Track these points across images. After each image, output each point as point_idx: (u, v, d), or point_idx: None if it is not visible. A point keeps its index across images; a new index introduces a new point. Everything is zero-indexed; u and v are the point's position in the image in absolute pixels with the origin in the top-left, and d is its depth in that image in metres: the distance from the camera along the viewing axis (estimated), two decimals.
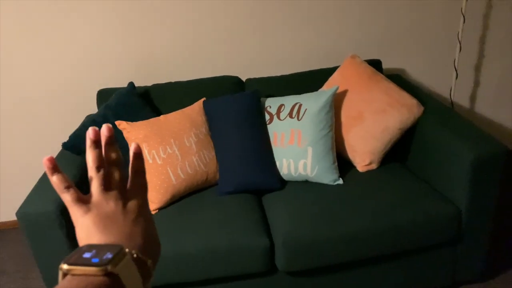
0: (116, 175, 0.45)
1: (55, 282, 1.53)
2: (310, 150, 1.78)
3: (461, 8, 2.23)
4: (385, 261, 1.68)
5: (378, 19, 2.32)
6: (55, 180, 0.42)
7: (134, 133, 1.77)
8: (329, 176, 1.78)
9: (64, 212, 1.50)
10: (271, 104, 1.89)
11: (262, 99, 1.93)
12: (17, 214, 1.49)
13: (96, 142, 0.44)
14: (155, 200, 1.74)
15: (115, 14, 2.14)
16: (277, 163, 1.83)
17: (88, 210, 0.42)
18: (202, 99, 1.95)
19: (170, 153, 1.75)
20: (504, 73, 2.55)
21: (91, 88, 2.27)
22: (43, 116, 2.32)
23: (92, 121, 1.83)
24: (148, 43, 2.23)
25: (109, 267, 0.35)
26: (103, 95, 2.07)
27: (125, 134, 1.80)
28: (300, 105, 1.82)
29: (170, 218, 1.68)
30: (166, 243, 1.53)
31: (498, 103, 2.62)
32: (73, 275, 0.36)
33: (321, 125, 1.78)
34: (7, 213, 2.56)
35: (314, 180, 1.81)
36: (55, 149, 2.34)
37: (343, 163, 1.89)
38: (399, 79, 2.19)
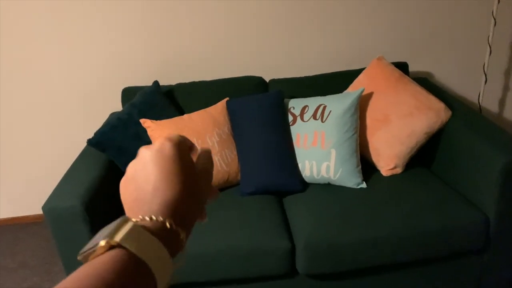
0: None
1: None
2: (333, 153, 1.75)
3: (492, 11, 2.17)
4: (408, 268, 1.64)
5: (406, 21, 2.28)
6: None
7: (158, 131, 1.79)
8: (352, 180, 1.75)
9: (88, 208, 1.53)
10: (295, 105, 1.88)
11: (285, 100, 1.92)
12: (43, 208, 1.52)
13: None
14: None
15: (141, 15, 2.17)
16: (299, 165, 1.82)
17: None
18: (226, 99, 1.95)
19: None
20: None
21: (116, 86, 2.30)
22: (70, 113, 2.36)
23: (117, 118, 1.85)
24: (173, 43, 2.25)
25: (109, 240, 0.32)
26: (128, 93, 2.10)
27: (149, 132, 1.81)
28: (325, 107, 1.80)
29: None
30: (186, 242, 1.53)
31: None
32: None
33: (346, 128, 1.76)
34: (31, 207, 2.61)
35: (336, 183, 1.79)
36: (81, 146, 2.38)
37: (367, 167, 1.86)
38: (426, 82, 2.15)
